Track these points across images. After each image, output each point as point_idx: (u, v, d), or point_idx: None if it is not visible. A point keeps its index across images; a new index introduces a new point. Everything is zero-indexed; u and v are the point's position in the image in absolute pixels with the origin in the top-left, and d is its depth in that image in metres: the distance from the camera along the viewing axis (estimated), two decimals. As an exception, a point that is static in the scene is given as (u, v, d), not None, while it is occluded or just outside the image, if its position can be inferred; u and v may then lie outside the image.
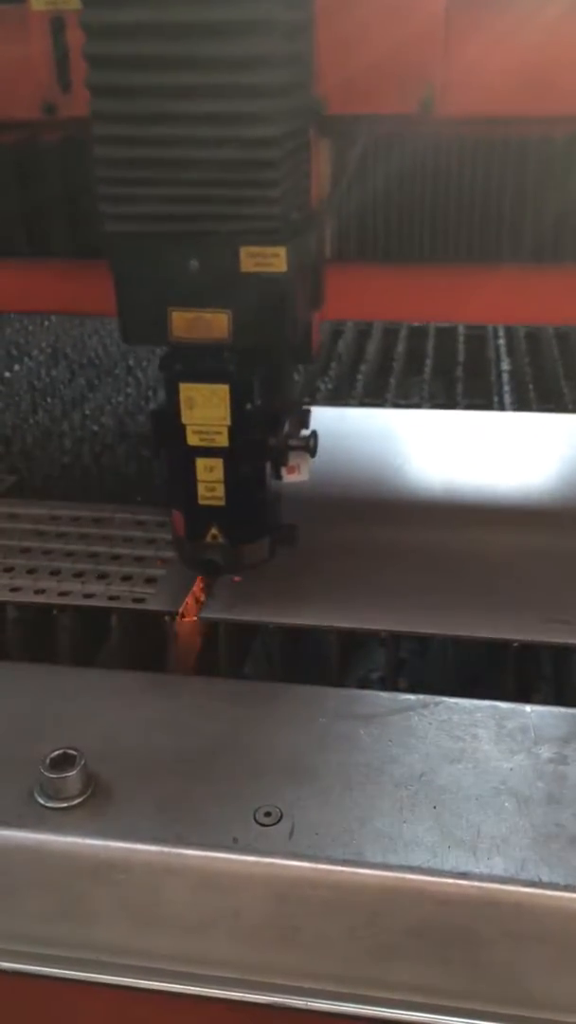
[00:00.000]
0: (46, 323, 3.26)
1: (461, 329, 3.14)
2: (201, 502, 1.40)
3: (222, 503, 1.40)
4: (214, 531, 1.43)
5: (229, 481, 1.39)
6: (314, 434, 1.45)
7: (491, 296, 1.62)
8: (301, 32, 1.24)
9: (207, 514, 1.42)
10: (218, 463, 1.38)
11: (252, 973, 1.11)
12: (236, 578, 1.55)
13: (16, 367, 2.93)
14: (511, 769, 1.18)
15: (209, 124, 1.17)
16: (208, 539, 1.44)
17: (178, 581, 1.59)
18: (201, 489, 1.39)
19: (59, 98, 1.43)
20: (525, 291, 1.61)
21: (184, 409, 1.35)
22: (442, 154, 1.48)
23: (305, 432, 1.47)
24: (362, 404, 2.72)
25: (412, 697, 1.31)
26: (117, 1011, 1.19)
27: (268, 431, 1.40)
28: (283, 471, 1.45)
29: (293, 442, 1.43)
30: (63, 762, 1.16)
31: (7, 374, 2.88)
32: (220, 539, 1.43)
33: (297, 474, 1.46)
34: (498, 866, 1.06)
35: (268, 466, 1.42)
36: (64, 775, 1.15)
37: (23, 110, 1.45)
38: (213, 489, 1.39)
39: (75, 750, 1.16)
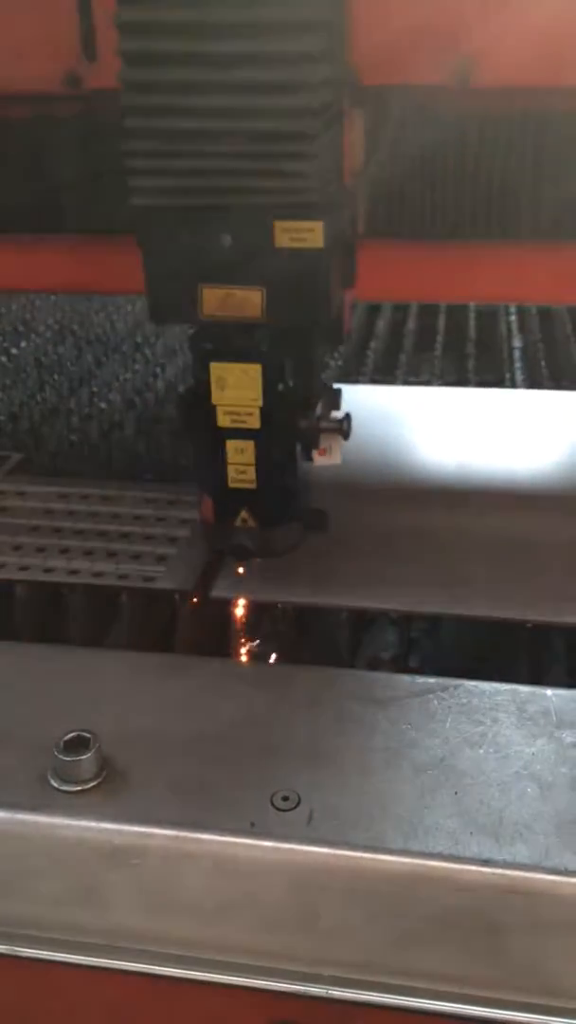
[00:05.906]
0: (53, 299, 3.22)
1: (472, 305, 3.10)
2: (231, 485, 1.37)
3: (253, 486, 1.37)
4: (244, 514, 1.40)
5: (260, 463, 1.35)
6: (347, 416, 1.42)
7: (517, 274, 1.58)
8: None
9: (238, 497, 1.39)
10: (249, 445, 1.34)
11: (270, 960, 1.09)
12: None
13: (23, 343, 2.89)
14: (533, 754, 1.16)
15: (244, 94, 1.13)
16: (239, 523, 1.41)
17: (189, 560, 1.56)
18: (231, 472, 1.36)
19: (84, 69, 1.38)
20: (547, 270, 1.57)
21: (215, 389, 1.31)
22: (466, 127, 1.44)
23: (337, 414, 1.44)
24: (372, 381, 2.68)
25: (431, 680, 1.28)
26: (132, 998, 1.17)
27: (300, 412, 1.37)
28: (315, 453, 1.42)
29: (325, 424, 1.40)
30: (77, 745, 1.13)
31: (14, 351, 2.84)
32: (251, 523, 1.41)
33: (329, 456, 1.43)
34: (522, 853, 1.03)
35: (299, 448, 1.39)
36: (78, 758, 1.12)
37: (43, 83, 1.40)
38: (244, 472, 1.36)
39: (89, 732, 1.14)
